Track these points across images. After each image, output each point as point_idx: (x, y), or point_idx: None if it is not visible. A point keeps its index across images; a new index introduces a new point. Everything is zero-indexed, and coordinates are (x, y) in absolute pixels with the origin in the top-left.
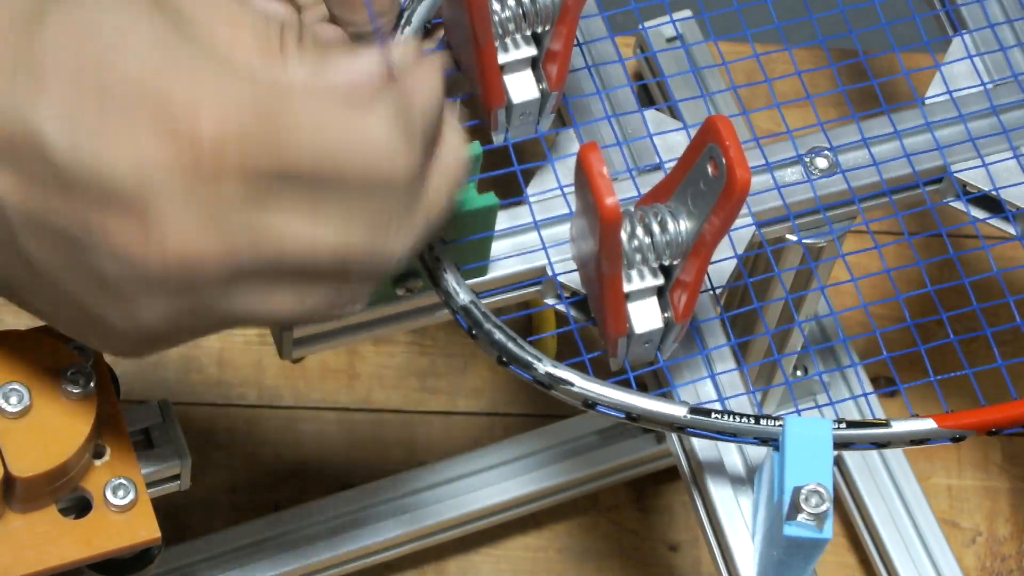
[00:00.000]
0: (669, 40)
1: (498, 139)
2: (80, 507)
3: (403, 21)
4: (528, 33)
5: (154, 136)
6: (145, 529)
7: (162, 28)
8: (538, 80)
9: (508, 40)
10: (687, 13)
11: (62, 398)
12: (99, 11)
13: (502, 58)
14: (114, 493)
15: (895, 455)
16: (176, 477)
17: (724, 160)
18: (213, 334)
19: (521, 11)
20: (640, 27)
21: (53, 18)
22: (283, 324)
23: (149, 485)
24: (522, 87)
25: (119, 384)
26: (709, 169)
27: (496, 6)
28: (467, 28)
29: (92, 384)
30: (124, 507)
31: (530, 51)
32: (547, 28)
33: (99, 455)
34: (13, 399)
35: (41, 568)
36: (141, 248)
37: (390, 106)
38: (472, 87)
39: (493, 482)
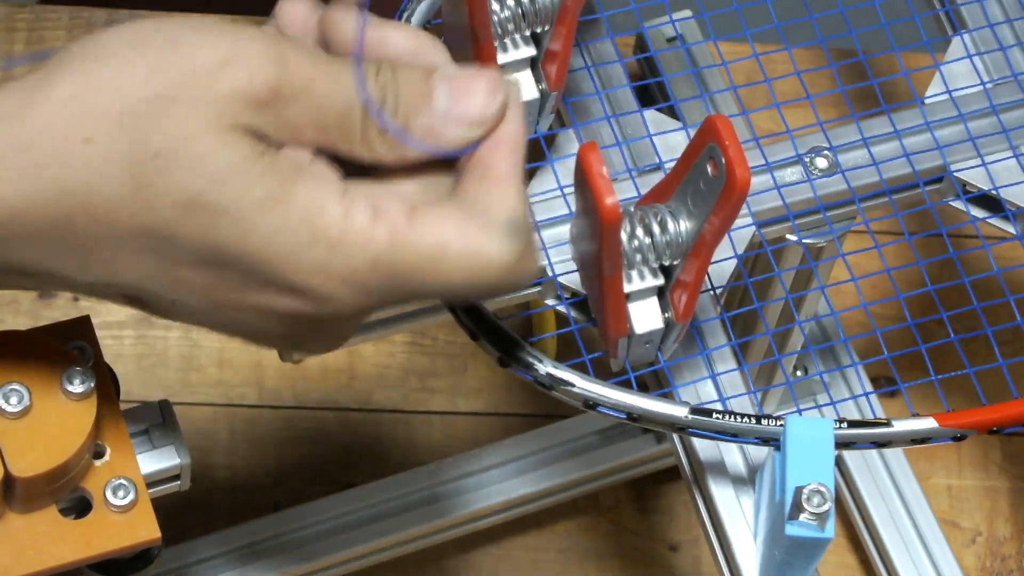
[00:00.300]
0: (669, 40)
1: None
2: (80, 507)
3: (401, 21)
4: (527, 33)
5: (288, 301)
6: (145, 529)
7: (273, 200)
8: (537, 80)
9: (507, 40)
10: (687, 13)
11: (62, 398)
12: (207, 172)
13: (501, 58)
14: (114, 493)
15: (895, 455)
16: (176, 477)
17: (724, 160)
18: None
19: (520, 11)
20: (640, 27)
21: (169, 177)
22: None
23: (149, 485)
24: (521, 87)
25: (119, 384)
26: (709, 169)
27: (495, 6)
28: (466, 28)
29: (92, 384)
30: (124, 507)
31: (529, 51)
32: (546, 28)
33: (99, 455)
34: (13, 399)
35: (41, 568)
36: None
37: (502, 220)
38: None
39: (493, 482)
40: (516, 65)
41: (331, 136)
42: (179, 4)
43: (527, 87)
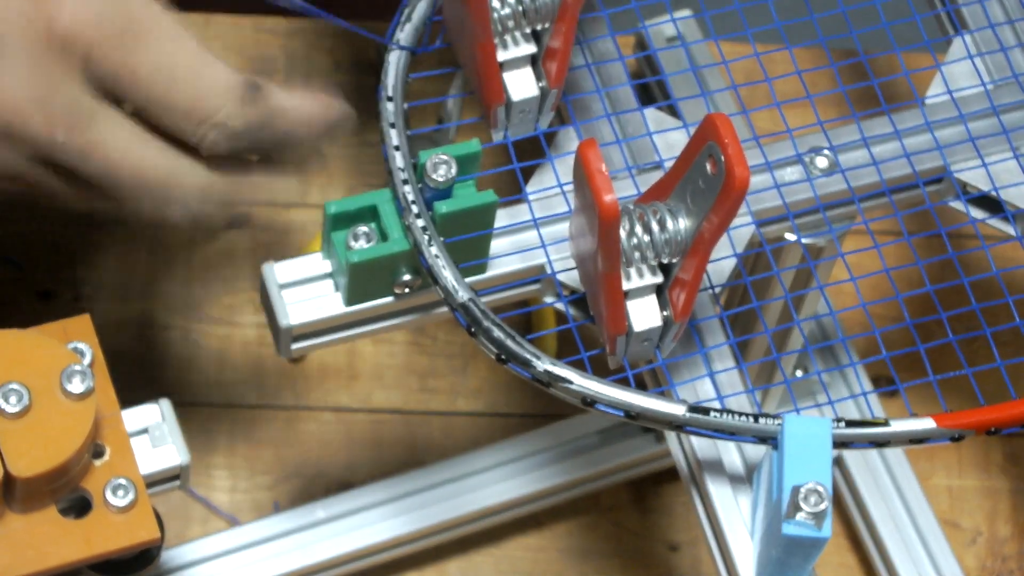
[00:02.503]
0: (669, 39)
1: (497, 137)
2: (80, 507)
3: (403, 19)
4: (528, 31)
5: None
6: (145, 529)
7: None
8: (538, 78)
9: (508, 37)
10: (687, 12)
11: (62, 398)
12: None
13: (501, 55)
14: (114, 493)
15: (896, 455)
16: (176, 477)
17: (723, 158)
18: None
19: (521, 8)
20: (641, 26)
21: None
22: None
23: (149, 485)
24: (522, 85)
25: (119, 384)
26: (708, 167)
27: (496, 3)
28: (467, 25)
29: (91, 384)
30: (124, 507)
31: (530, 48)
32: (547, 25)
33: (99, 455)
34: (13, 399)
35: (41, 568)
36: None
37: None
38: (472, 84)
39: (493, 482)
40: (516, 62)
41: None
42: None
43: (528, 84)
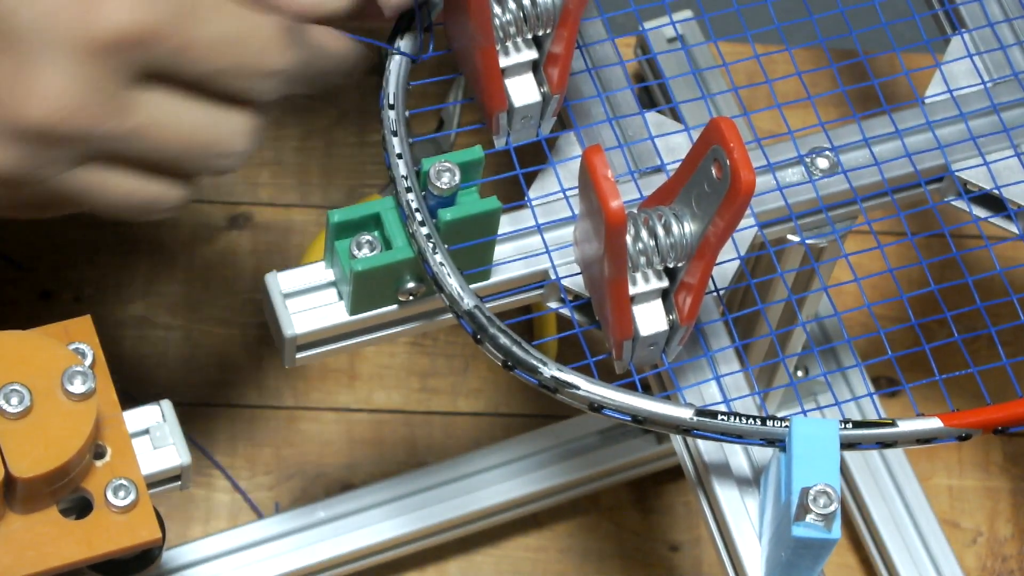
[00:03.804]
0: (669, 41)
1: (500, 143)
2: (81, 508)
3: (403, 26)
4: (529, 36)
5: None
6: (146, 529)
7: None
8: (539, 83)
9: (509, 44)
10: (687, 14)
11: (62, 399)
12: None
13: (503, 62)
14: (115, 494)
15: (896, 455)
16: (177, 478)
17: (728, 162)
18: (40, 214)
19: (522, 14)
20: (641, 29)
21: None
22: (110, 213)
23: (150, 486)
24: (523, 91)
25: (120, 384)
26: (713, 171)
27: (497, 9)
28: (468, 32)
29: (92, 385)
30: (125, 508)
31: (531, 54)
32: (548, 31)
33: (100, 456)
34: (14, 400)
35: (42, 568)
36: (7, 87)
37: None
38: (474, 91)
39: (494, 482)
40: (518, 68)
41: None
42: None
43: (529, 90)
